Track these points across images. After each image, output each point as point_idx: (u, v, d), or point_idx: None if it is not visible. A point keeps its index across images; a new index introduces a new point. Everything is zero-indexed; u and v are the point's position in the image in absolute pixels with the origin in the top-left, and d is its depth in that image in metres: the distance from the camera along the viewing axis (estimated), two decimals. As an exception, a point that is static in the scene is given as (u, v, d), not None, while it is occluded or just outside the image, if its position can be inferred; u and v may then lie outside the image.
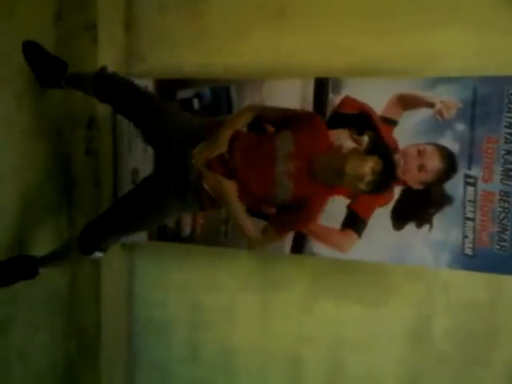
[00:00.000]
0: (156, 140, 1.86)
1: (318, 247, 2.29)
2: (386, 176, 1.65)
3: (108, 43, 2.41)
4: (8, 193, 2.09)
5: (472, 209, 2.09)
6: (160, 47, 2.50)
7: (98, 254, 1.88)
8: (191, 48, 2.46)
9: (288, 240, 2.30)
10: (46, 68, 1.98)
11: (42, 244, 2.28)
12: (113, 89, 1.84)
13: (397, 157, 2.00)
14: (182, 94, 2.43)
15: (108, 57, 2.42)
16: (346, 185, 1.68)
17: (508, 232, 2.04)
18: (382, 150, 1.76)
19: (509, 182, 2.03)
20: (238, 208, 1.73)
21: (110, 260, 2.52)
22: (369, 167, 1.60)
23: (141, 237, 2.52)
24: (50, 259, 2.04)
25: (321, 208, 1.79)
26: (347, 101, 2.20)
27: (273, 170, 1.69)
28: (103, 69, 1.85)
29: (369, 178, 1.60)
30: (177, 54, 2.47)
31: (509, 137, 2.02)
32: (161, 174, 1.83)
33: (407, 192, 2.15)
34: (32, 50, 1.97)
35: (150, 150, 2.45)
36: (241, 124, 1.79)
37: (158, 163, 1.98)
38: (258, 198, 1.78)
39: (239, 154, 1.72)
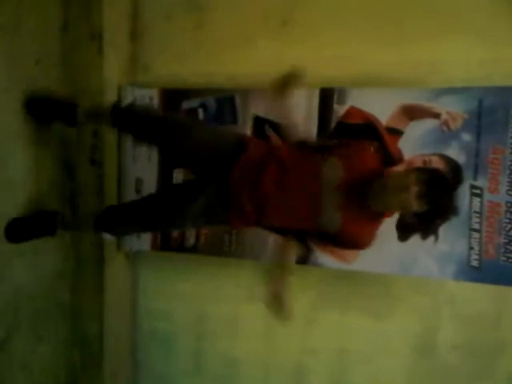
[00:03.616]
0: (189, 162, 1.87)
1: (322, 258, 2.27)
2: (437, 188, 1.45)
3: (113, 53, 2.42)
4: (12, 201, 2.08)
5: (478, 220, 2.08)
6: (165, 57, 2.51)
7: (108, 236, 1.92)
8: (196, 58, 2.47)
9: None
10: (57, 117, 2.06)
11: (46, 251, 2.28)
12: (131, 118, 1.85)
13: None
14: (187, 104, 2.43)
15: (113, 66, 2.43)
16: (394, 204, 1.53)
17: (514, 243, 2.03)
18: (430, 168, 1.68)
19: (515, 193, 2.02)
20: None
21: (114, 270, 2.52)
22: (412, 178, 1.45)
23: (143, 245, 2.53)
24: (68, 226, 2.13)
25: (372, 237, 1.67)
26: (352, 111, 2.20)
27: (319, 201, 1.59)
28: (117, 103, 1.92)
29: (415, 188, 1.42)
30: (182, 64, 2.48)
31: (515, 148, 2.01)
32: (199, 185, 1.78)
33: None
34: (36, 107, 2.03)
35: (154, 160, 2.45)
36: None
37: (198, 178, 1.91)
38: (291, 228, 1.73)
39: (272, 180, 1.63)
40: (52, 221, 2.07)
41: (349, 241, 1.64)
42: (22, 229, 2.02)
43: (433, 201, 1.43)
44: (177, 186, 1.89)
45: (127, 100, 2.44)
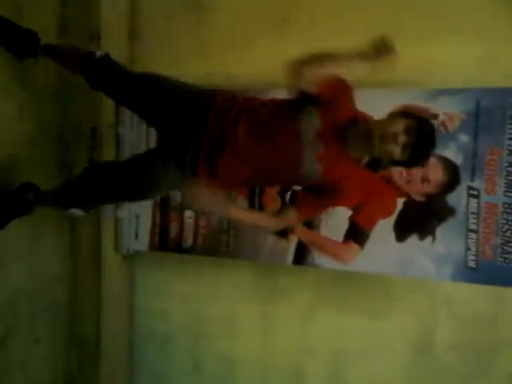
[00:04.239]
0: (156, 115, 1.77)
1: (320, 258, 2.28)
2: (424, 140, 1.42)
3: (112, 53, 2.39)
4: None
5: (475, 221, 2.09)
6: (164, 57, 2.50)
7: (77, 212, 1.80)
8: (195, 57, 2.47)
9: (290, 251, 2.30)
10: (17, 41, 1.93)
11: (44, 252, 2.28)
12: (105, 76, 1.76)
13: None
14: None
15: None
16: (378, 152, 1.46)
17: (511, 244, 2.04)
18: (416, 115, 1.51)
19: (512, 194, 2.03)
20: (245, 217, 1.66)
21: (111, 271, 2.52)
22: (400, 126, 1.41)
23: (141, 246, 2.53)
24: (44, 198, 2.01)
25: (354, 186, 1.62)
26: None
27: (298, 153, 1.52)
28: (92, 53, 1.78)
29: (403, 138, 1.40)
30: (181, 64, 2.47)
31: (512, 149, 2.02)
32: (162, 149, 1.72)
33: (410, 204, 2.14)
34: None
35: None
36: None
37: (161, 138, 1.89)
38: (274, 179, 1.70)
39: (246, 133, 1.55)
40: (23, 199, 1.97)
41: (333, 190, 1.58)
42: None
43: (417, 151, 1.42)
44: (145, 157, 1.77)
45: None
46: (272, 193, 2.29)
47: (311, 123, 1.53)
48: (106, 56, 1.81)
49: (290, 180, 1.71)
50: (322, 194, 1.59)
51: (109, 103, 2.33)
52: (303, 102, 1.57)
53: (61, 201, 1.85)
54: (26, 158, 2.15)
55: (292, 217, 1.64)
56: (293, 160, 1.54)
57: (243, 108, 1.60)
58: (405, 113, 1.49)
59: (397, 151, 1.42)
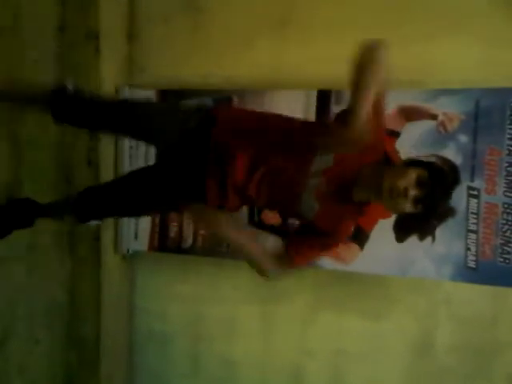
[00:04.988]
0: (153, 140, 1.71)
1: (320, 259, 2.27)
2: (437, 192, 1.29)
3: (110, 54, 2.41)
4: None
5: (475, 221, 2.08)
6: (162, 58, 2.51)
7: (94, 222, 1.82)
8: (194, 59, 2.47)
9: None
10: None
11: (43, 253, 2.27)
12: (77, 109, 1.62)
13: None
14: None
15: (110, 67, 2.43)
16: (386, 204, 1.34)
17: (511, 244, 2.04)
18: (425, 161, 1.39)
19: (512, 194, 2.03)
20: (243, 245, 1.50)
21: (111, 271, 2.51)
22: (411, 179, 1.29)
23: (140, 247, 2.53)
24: (46, 211, 1.96)
25: (348, 233, 1.53)
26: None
27: (299, 185, 1.41)
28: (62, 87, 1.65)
29: (413, 192, 1.28)
30: (179, 65, 2.48)
31: (512, 149, 2.02)
32: (169, 170, 1.61)
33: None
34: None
35: (151, 161, 2.45)
36: None
37: (162, 158, 1.75)
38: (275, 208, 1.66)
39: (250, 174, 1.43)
40: (28, 210, 1.94)
41: (322, 232, 1.47)
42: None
43: (430, 204, 1.30)
44: (149, 174, 1.69)
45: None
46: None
47: (324, 160, 1.40)
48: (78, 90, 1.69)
49: (288, 213, 1.66)
50: (315, 240, 1.50)
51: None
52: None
53: (78, 216, 1.80)
54: (23, 158, 2.15)
55: (285, 266, 1.53)
56: (292, 195, 1.44)
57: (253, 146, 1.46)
58: (417, 162, 1.38)
59: (407, 206, 1.30)
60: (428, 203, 1.29)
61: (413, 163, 1.38)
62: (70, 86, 1.65)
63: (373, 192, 1.36)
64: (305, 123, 1.61)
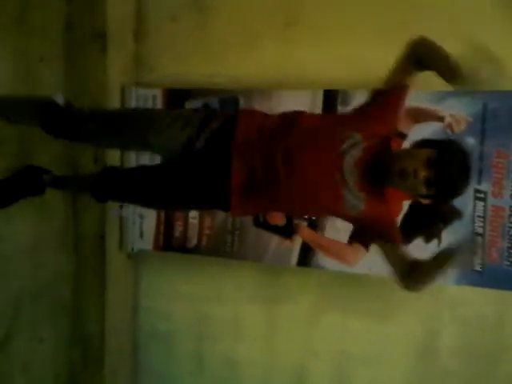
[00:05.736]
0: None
1: (324, 260, 2.27)
2: (450, 172, 1.26)
3: (117, 52, 2.41)
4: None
5: (481, 224, 2.07)
6: (169, 57, 2.50)
7: (116, 213, 1.79)
8: (200, 58, 2.46)
9: (295, 252, 2.29)
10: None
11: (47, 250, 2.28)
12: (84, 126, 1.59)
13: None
14: (190, 104, 2.42)
15: (117, 66, 2.43)
16: (400, 187, 1.36)
17: (518, 248, 2.03)
18: (442, 141, 1.38)
19: (519, 198, 2.01)
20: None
21: (115, 270, 2.52)
22: (420, 160, 1.27)
23: (145, 245, 2.53)
24: (62, 183, 1.92)
25: (398, 211, 1.54)
26: None
27: (339, 186, 1.38)
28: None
29: (423, 173, 1.26)
30: (185, 64, 2.47)
31: (519, 152, 2.00)
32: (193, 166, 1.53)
33: (416, 206, 2.13)
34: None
35: (157, 158, 2.44)
36: None
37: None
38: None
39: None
40: (39, 178, 1.88)
41: (373, 223, 1.46)
42: (7, 190, 1.84)
43: (443, 184, 1.27)
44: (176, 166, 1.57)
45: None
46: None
47: (353, 153, 1.38)
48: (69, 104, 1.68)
49: (335, 214, 1.57)
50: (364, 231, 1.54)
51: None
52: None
53: (96, 195, 1.70)
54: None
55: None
56: (335, 197, 1.40)
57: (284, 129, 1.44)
58: (427, 141, 1.38)
59: (420, 187, 1.28)
60: (440, 183, 1.26)
61: (422, 144, 1.38)
62: (59, 101, 1.63)
63: (387, 177, 1.35)
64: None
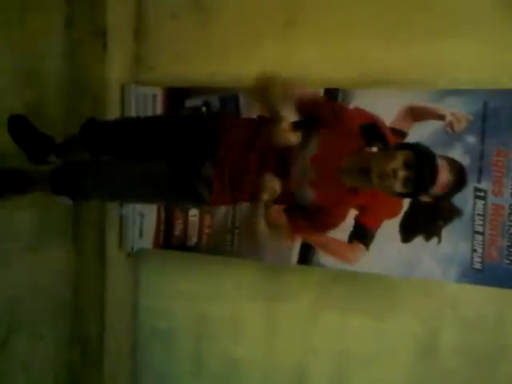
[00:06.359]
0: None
1: (324, 259, 2.27)
2: (424, 171, 1.40)
3: (117, 51, 2.41)
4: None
5: (481, 222, 2.08)
6: (169, 56, 2.50)
7: (66, 201, 1.69)
8: (200, 57, 2.46)
9: (295, 251, 2.29)
10: (33, 145, 1.90)
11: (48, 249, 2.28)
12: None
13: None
14: (191, 103, 2.43)
15: (117, 64, 2.43)
16: (378, 186, 1.46)
17: (518, 246, 2.03)
18: (415, 144, 1.49)
19: (519, 196, 2.02)
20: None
21: (115, 268, 2.51)
22: (398, 162, 1.39)
23: (145, 244, 2.53)
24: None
25: (345, 216, 1.64)
26: (356, 111, 2.19)
27: (290, 176, 1.51)
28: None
29: (402, 173, 1.39)
30: (186, 63, 2.47)
31: (520, 150, 2.01)
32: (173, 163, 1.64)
33: (416, 205, 2.13)
34: (18, 125, 1.89)
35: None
36: None
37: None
38: None
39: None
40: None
41: (320, 216, 1.56)
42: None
43: (419, 184, 1.40)
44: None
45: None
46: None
47: (308, 148, 1.52)
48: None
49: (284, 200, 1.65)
50: (314, 216, 1.57)
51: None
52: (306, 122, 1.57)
53: (54, 186, 1.73)
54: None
55: (284, 234, 1.61)
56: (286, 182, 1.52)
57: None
58: (402, 145, 1.51)
59: (397, 186, 1.40)
60: (417, 182, 1.39)
61: (400, 147, 1.49)
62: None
63: (364, 177, 1.45)
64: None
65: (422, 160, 1.40)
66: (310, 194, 1.52)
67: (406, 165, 1.39)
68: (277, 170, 1.51)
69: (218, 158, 1.58)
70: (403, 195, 1.49)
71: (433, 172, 1.42)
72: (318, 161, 1.51)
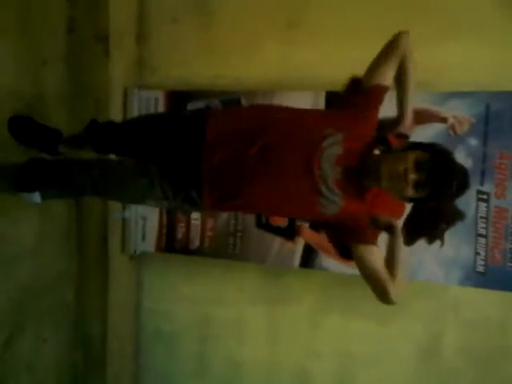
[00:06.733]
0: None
1: (327, 262, 2.27)
2: (441, 174, 1.22)
3: (119, 55, 2.42)
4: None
5: (484, 225, 2.07)
6: (171, 59, 2.51)
7: (34, 199, 1.57)
8: (202, 60, 2.47)
9: (297, 254, 2.29)
10: (40, 142, 1.89)
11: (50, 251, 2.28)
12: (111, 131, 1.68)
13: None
14: (193, 106, 2.43)
15: (119, 68, 2.43)
16: (388, 190, 1.32)
17: (521, 249, 2.02)
18: (426, 143, 1.33)
19: (522, 199, 2.01)
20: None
21: (118, 271, 2.52)
22: (410, 161, 1.24)
23: (148, 247, 2.53)
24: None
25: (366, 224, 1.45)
26: None
27: (316, 182, 1.35)
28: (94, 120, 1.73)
29: (413, 176, 1.24)
30: (188, 66, 2.48)
31: (522, 153, 2.00)
32: (168, 160, 1.53)
33: (418, 207, 2.13)
34: (18, 125, 1.89)
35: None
36: None
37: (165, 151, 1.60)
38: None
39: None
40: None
41: (348, 222, 1.41)
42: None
43: (436, 187, 1.23)
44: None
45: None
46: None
47: (333, 151, 1.36)
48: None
49: (308, 214, 1.54)
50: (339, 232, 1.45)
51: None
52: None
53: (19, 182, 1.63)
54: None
55: None
56: (311, 192, 1.37)
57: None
58: (415, 144, 1.33)
59: (408, 190, 1.26)
60: (431, 187, 1.23)
61: (412, 146, 1.33)
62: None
63: (375, 178, 1.32)
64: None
65: (436, 162, 1.23)
66: (338, 196, 1.37)
67: (417, 166, 1.24)
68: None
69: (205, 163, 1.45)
70: (416, 200, 1.32)
71: (451, 176, 1.23)
72: (341, 162, 1.37)
